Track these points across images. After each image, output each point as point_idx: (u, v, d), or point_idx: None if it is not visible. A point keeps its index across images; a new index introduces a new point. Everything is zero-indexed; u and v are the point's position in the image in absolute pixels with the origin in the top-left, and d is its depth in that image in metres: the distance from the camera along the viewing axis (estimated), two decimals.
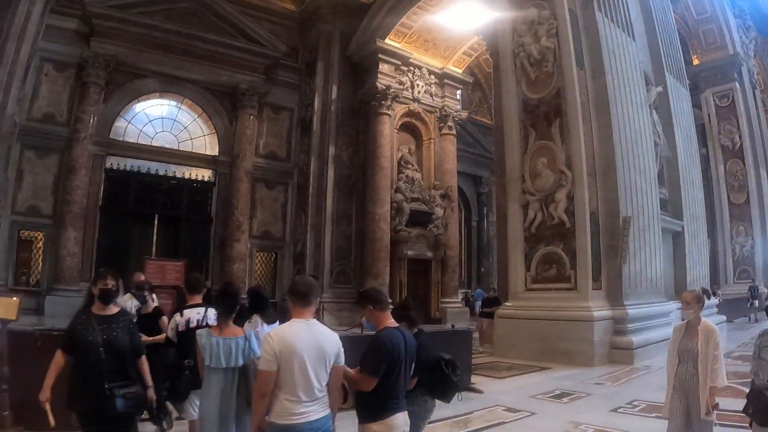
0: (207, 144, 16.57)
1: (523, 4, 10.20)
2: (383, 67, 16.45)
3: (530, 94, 10.06)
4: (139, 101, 15.68)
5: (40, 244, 13.56)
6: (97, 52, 14.39)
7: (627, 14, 10.02)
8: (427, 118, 17.45)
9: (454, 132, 17.77)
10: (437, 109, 17.54)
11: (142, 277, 6.25)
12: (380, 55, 16.40)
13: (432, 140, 17.47)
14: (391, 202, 16.17)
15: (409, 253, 16.35)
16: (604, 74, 9.20)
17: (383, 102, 16.23)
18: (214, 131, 16.60)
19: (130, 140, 15.40)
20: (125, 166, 15.02)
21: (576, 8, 9.49)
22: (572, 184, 9.37)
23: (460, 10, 15.15)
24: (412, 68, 17.06)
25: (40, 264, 13.48)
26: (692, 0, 19.40)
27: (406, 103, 16.95)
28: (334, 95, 16.75)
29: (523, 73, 10.12)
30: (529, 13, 9.92)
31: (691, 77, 12.64)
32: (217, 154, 16.36)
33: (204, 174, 16.23)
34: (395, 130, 16.80)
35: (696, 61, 21.23)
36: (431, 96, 17.46)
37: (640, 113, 9.89)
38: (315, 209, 16.04)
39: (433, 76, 17.50)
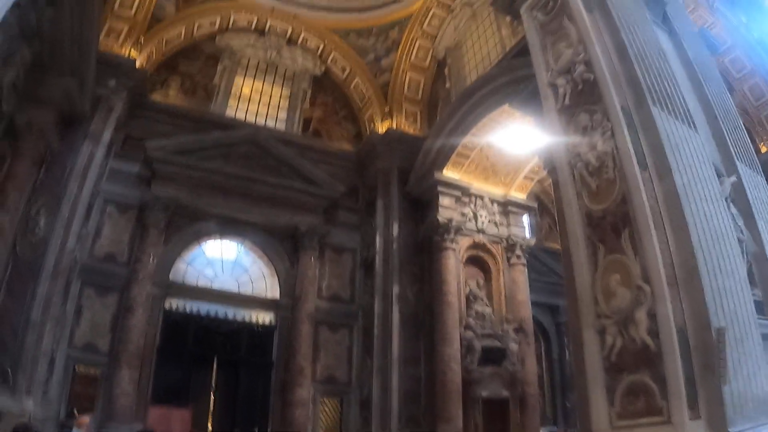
0: (268, 286, 17.55)
1: (572, 112, 10.35)
2: (443, 200, 17.44)
3: (593, 205, 9.98)
4: (199, 243, 17.06)
5: (95, 380, 14.28)
6: (157, 195, 16.17)
7: (684, 105, 9.99)
8: (493, 249, 18.02)
9: (523, 261, 18.18)
10: (503, 239, 18.14)
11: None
12: (439, 188, 17.45)
13: (501, 272, 17.88)
14: (461, 340, 16.30)
15: (484, 393, 16.19)
16: (671, 172, 9.01)
17: (446, 236, 17.03)
18: (275, 273, 17.67)
19: (190, 282, 16.61)
20: (184, 308, 16.05)
21: (629, 106, 9.58)
22: (652, 300, 8.92)
23: (516, 134, 16.20)
24: (473, 198, 17.95)
25: (94, 400, 14.09)
26: (748, 86, 19.85)
27: (470, 235, 17.65)
28: (395, 233, 17.72)
29: (583, 184, 10.10)
30: (581, 119, 10.08)
31: (762, 166, 12.46)
32: (278, 297, 17.28)
33: (265, 317, 17.03)
34: (461, 264, 17.36)
35: (764, 149, 21.55)
36: (496, 225, 18.16)
37: (717, 209, 9.59)
38: (381, 351, 16.37)
39: (496, 205, 18.32)
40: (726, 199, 10.24)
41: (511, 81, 14.54)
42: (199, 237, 17.20)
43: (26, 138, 13.46)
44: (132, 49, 16.80)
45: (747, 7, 17.24)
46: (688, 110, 10.03)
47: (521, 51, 13.57)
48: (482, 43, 17.77)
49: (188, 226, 16.97)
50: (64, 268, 13.49)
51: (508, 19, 14.99)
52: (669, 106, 9.68)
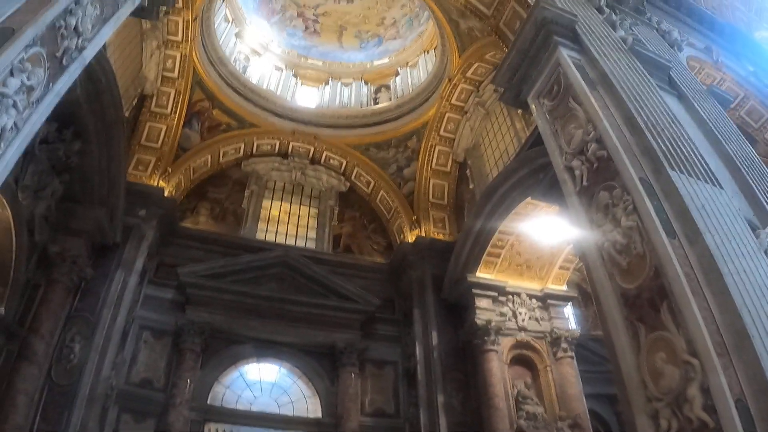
0: (309, 406, 17.77)
1: (592, 192, 10.56)
2: (480, 302, 17.90)
3: (627, 284, 9.87)
4: (236, 367, 17.65)
5: None
6: (192, 319, 17.06)
7: (705, 164, 10.18)
8: (537, 346, 18.16)
9: (571, 354, 18.22)
10: (547, 334, 18.32)
11: None
12: (474, 291, 17.98)
13: (548, 368, 17.89)
14: None
15: None
16: (701, 234, 9.02)
17: (486, 338, 17.30)
18: (315, 393, 17.94)
19: (229, 406, 17.00)
20: (224, 431, 16.46)
21: (647, 175, 9.78)
22: (703, 373, 8.48)
23: (544, 225, 16.86)
24: (510, 297, 18.35)
25: None
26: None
27: (511, 335, 17.88)
28: (435, 341, 18.08)
29: (613, 264, 10.11)
30: (601, 198, 10.24)
31: None
32: (320, 416, 17.47)
33: None
34: (505, 365, 17.44)
35: None
36: (537, 321, 18.41)
37: (757, 264, 9.36)
38: None
39: (534, 300, 18.64)
40: (765, 252, 9.87)
41: (531, 172, 15.39)
42: (236, 360, 17.81)
43: (59, 267, 14.71)
44: (160, 179, 18.53)
45: (753, 57, 18.09)
46: (710, 169, 10.14)
47: (536, 141, 14.33)
48: (499, 140, 19.04)
49: (224, 349, 17.68)
50: (99, 394, 14.23)
51: (519, 111, 16.37)
52: (688, 168, 9.83)
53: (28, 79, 6.97)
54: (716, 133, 11.27)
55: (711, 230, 9.07)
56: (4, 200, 12.55)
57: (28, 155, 12.65)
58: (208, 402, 16.89)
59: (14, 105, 6.71)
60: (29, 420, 12.98)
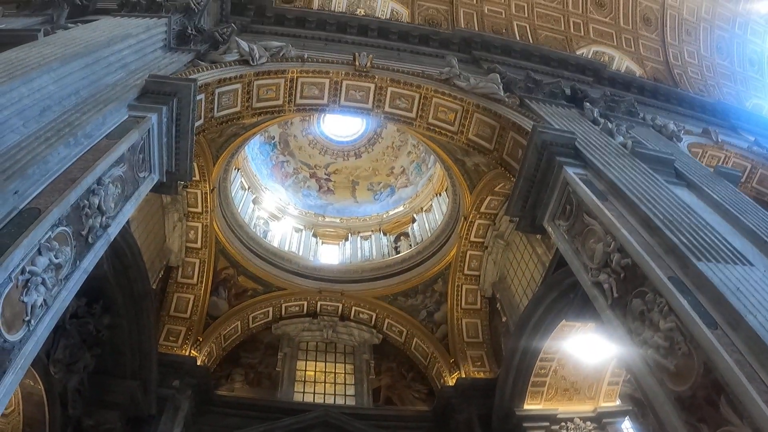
0: None
1: (624, 302, 10.31)
2: None
3: (679, 387, 9.43)
4: None
5: None
6: None
7: (729, 246, 10.13)
8: None
9: None
10: None
11: None
12: (525, 425, 17.29)
13: None
14: None
15: None
16: (743, 318, 8.74)
17: None
18: None
19: None
20: None
21: (675, 272, 9.62)
22: None
23: (583, 344, 16.55)
24: (563, 424, 17.51)
25: None
26: None
27: None
28: None
29: (661, 370, 9.72)
30: (635, 306, 9.98)
31: None
32: None
33: None
34: None
35: None
36: None
37: None
38: None
39: (589, 423, 17.70)
40: None
41: (560, 295, 15.39)
42: None
43: None
44: (192, 349, 18.73)
45: (750, 127, 18.68)
46: (735, 249, 10.07)
47: (560, 262, 14.44)
48: (523, 268, 19.18)
49: None
50: None
51: (539, 236, 16.61)
52: (714, 254, 9.75)
53: (56, 257, 7.22)
54: (733, 211, 11.29)
55: (752, 311, 8.86)
56: (36, 375, 12.80)
57: (58, 330, 13.08)
58: None
59: (43, 282, 6.94)
60: None
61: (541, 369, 17.60)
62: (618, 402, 18.69)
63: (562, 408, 17.98)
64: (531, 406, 17.86)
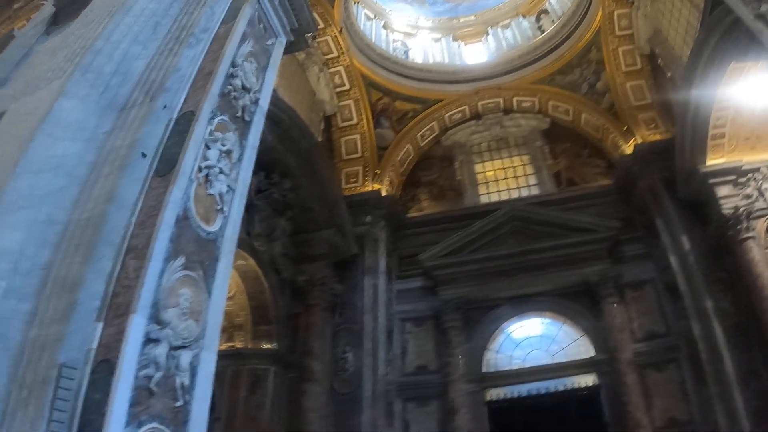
0: (581, 348, 18.40)
1: None
2: (720, 191, 16.86)
3: None
4: (500, 330, 18.82)
5: None
6: (445, 299, 18.70)
7: None
8: None
9: None
10: None
11: None
12: (710, 181, 16.96)
13: None
14: None
15: None
16: None
17: (739, 227, 16.25)
18: (583, 333, 18.50)
19: (503, 368, 18.31)
20: (505, 394, 17.77)
21: None
22: None
23: (759, 87, 15.38)
24: (750, 175, 16.92)
25: None
26: None
27: (764, 215, 16.56)
28: (686, 246, 17.38)
29: None
30: None
31: None
32: (593, 354, 17.96)
33: (586, 380, 17.79)
34: (766, 250, 16.46)
35: None
36: None
37: None
38: (715, 376, 15.81)
39: None
40: None
41: (723, 35, 14.13)
42: (498, 324, 18.92)
43: (312, 292, 17.24)
44: (373, 182, 20.44)
45: None
46: None
47: (715, 1, 13.50)
48: (677, 16, 17.43)
49: (484, 317, 18.90)
50: (381, 392, 16.54)
51: None
52: None
53: (223, 145, 7.84)
54: None
55: None
56: (245, 253, 15.10)
57: (249, 208, 14.74)
58: (483, 370, 18.30)
59: (221, 171, 7.62)
60: None
61: (718, 119, 16.74)
62: None
63: (748, 158, 17.17)
64: (713, 161, 17.28)
